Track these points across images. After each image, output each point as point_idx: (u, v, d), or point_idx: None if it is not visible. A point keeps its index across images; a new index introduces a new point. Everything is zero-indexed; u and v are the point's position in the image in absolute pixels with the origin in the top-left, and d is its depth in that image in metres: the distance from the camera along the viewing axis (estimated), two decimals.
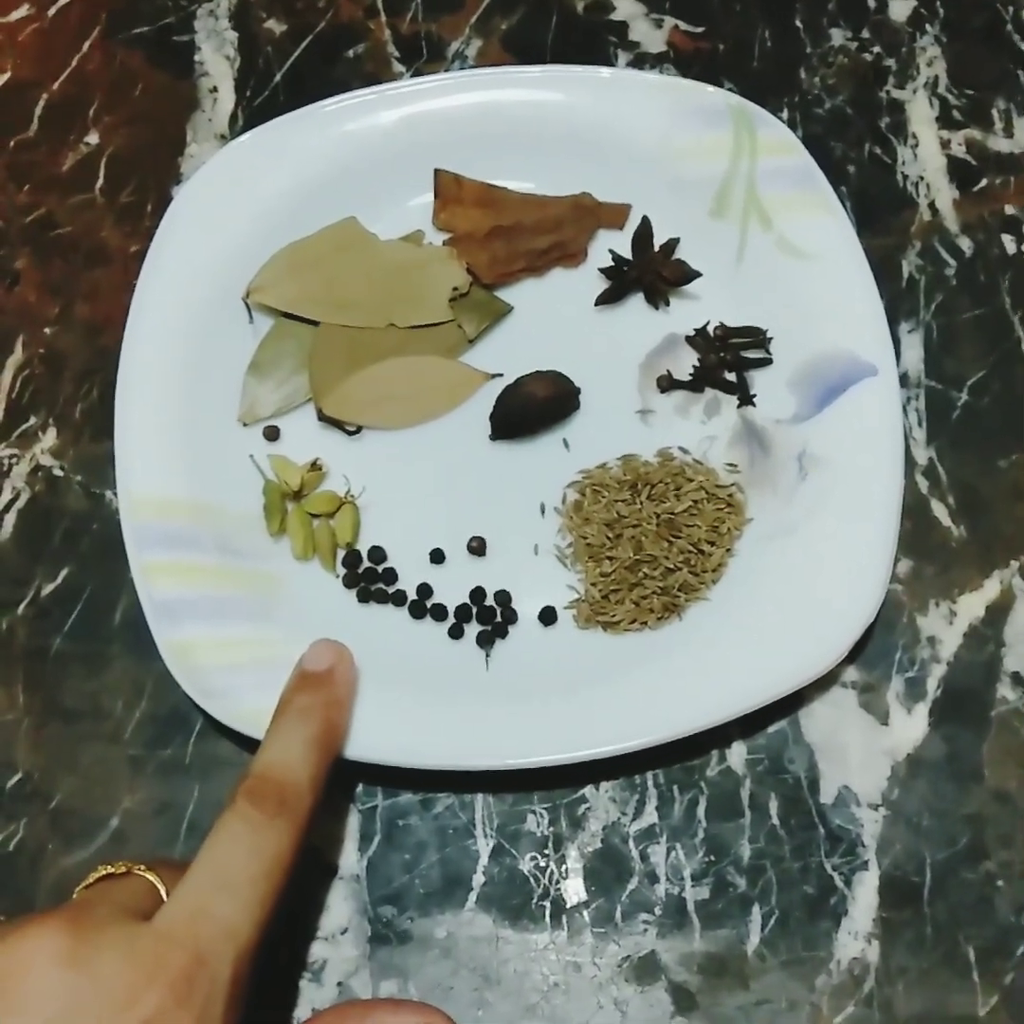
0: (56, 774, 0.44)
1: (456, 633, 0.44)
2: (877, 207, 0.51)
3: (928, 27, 0.54)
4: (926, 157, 0.52)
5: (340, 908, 0.42)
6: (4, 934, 0.31)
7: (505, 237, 0.48)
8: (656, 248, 0.47)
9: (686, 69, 0.53)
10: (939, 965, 0.41)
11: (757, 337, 0.47)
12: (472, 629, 0.44)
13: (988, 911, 0.41)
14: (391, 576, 0.45)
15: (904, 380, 0.47)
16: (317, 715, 0.39)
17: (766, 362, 0.47)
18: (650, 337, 0.48)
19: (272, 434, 0.47)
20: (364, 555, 0.45)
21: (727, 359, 0.47)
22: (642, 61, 0.53)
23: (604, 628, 0.44)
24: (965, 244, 0.50)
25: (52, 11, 0.55)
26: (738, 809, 0.43)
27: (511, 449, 0.47)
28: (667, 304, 0.48)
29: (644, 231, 0.47)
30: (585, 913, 0.42)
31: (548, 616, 0.44)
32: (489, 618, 0.44)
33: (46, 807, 0.43)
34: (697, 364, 0.47)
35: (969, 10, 0.54)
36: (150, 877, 0.35)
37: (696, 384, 0.47)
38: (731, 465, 0.46)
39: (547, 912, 0.42)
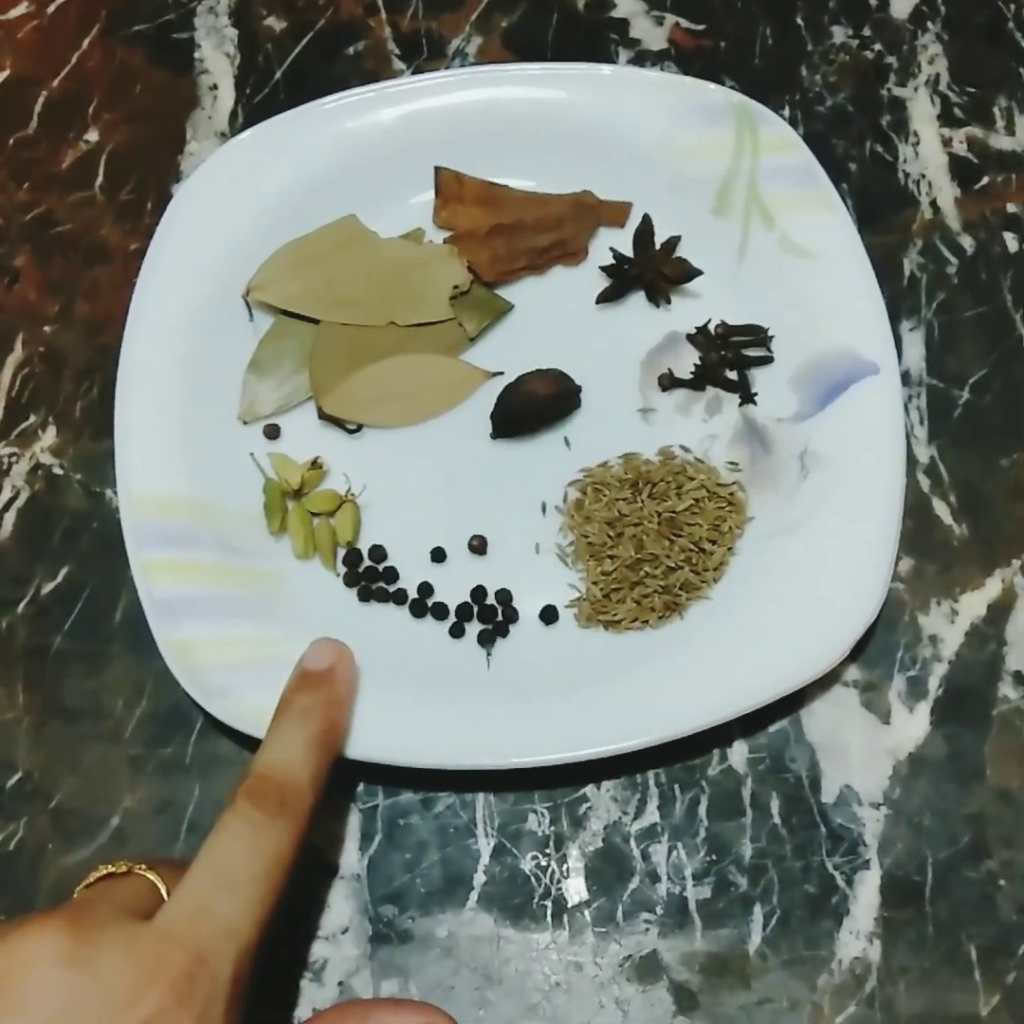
0: (56, 773, 0.44)
1: (457, 632, 0.44)
2: (879, 205, 0.50)
3: (929, 24, 0.54)
4: (927, 155, 0.51)
5: (341, 907, 0.42)
6: (4, 934, 0.31)
7: (506, 235, 0.48)
8: (657, 246, 0.47)
9: (687, 67, 0.53)
10: (941, 964, 0.41)
11: (758, 335, 0.47)
12: (473, 628, 0.44)
13: (990, 910, 0.41)
14: (392, 575, 0.45)
15: (906, 378, 0.47)
16: (318, 714, 0.38)
17: (767, 360, 0.47)
18: (651, 335, 0.48)
19: (272, 432, 0.47)
20: (365, 554, 0.45)
21: (728, 357, 0.46)
22: (643, 59, 0.53)
23: (605, 627, 0.44)
24: (967, 242, 0.50)
25: (52, 8, 0.55)
26: (739, 808, 0.43)
27: (512, 447, 0.47)
28: (668, 302, 0.48)
29: (645, 229, 0.47)
30: (586, 912, 0.42)
31: (549, 615, 0.44)
32: (490, 617, 0.44)
33: (46, 806, 0.43)
34: (698, 362, 0.47)
35: (970, 7, 0.54)
36: (151, 876, 0.35)
37: (697, 382, 0.47)
38: (732, 463, 0.46)
39: (548, 911, 0.42)
